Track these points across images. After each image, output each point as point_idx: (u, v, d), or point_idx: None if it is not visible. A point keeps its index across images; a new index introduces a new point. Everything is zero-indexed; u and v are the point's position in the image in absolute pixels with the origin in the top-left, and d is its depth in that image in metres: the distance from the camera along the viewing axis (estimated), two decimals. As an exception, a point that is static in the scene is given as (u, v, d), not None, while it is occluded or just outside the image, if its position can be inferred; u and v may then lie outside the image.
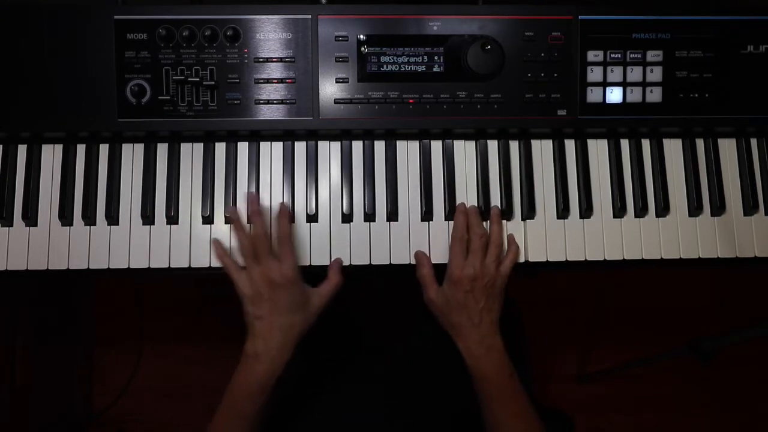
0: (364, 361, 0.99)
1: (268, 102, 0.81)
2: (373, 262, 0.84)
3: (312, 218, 0.84)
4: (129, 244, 0.83)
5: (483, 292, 0.79)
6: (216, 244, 0.81)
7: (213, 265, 0.83)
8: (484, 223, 0.84)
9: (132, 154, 0.85)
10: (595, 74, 0.83)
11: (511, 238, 0.85)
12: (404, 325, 1.02)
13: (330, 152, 0.86)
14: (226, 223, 0.84)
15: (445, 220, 0.85)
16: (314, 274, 0.82)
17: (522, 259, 0.85)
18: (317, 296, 0.79)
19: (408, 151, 0.87)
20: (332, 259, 0.84)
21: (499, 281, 0.81)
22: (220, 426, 0.77)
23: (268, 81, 0.81)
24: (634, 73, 0.83)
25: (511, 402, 0.79)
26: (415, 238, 0.85)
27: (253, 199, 0.82)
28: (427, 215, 0.85)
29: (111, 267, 0.83)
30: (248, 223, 0.82)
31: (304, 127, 0.82)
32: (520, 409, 0.79)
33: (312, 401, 0.95)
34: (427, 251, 0.84)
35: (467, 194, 0.86)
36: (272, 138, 0.86)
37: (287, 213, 0.81)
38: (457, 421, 0.92)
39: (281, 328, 0.76)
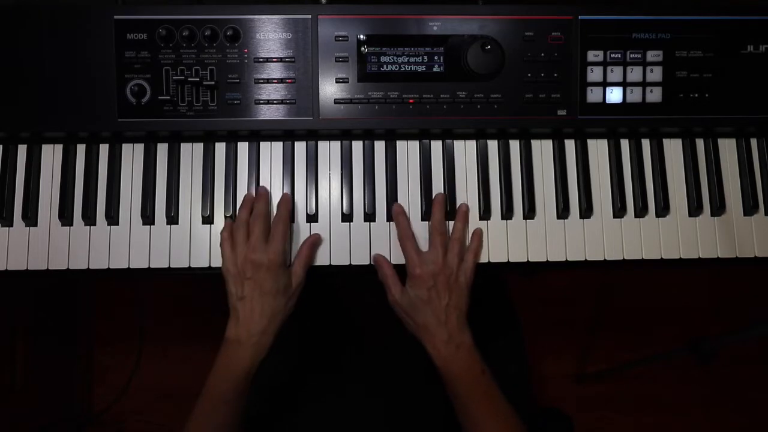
0: (364, 360, 0.99)
1: (268, 102, 0.81)
2: (373, 262, 0.84)
3: (312, 218, 0.84)
4: (129, 244, 0.83)
5: (445, 287, 0.78)
6: (227, 222, 0.81)
7: (213, 265, 0.83)
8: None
9: (132, 154, 0.85)
10: (595, 74, 0.83)
11: (476, 232, 0.84)
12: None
13: (330, 152, 0.86)
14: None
15: (446, 219, 0.85)
16: (314, 274, 0.82)
17: (524, 259, 0.85)
18: (294, 276, 0.79)
19: (408, 151, 0.87)
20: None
21: (463, 277, 0.80)
22: (203, 412, 0.76)
23: (268, 81, 0.81)
24: (634, 73, 0.83)
25: (484, 400, 0.76)
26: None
27: (264, 191, 0.83)
28: (427, 215, 0.85)
29: (111, 267, 0.83)
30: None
31: (304, 127, 0.82)
32: (495, 407, 0.77)
33: (311, 400, 0.95)
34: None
35: (467, 194, 0.86)
36: (272, 138, 0.86)
37: (289, 200, 0.83)
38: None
39: (263, 311, 0.76)
